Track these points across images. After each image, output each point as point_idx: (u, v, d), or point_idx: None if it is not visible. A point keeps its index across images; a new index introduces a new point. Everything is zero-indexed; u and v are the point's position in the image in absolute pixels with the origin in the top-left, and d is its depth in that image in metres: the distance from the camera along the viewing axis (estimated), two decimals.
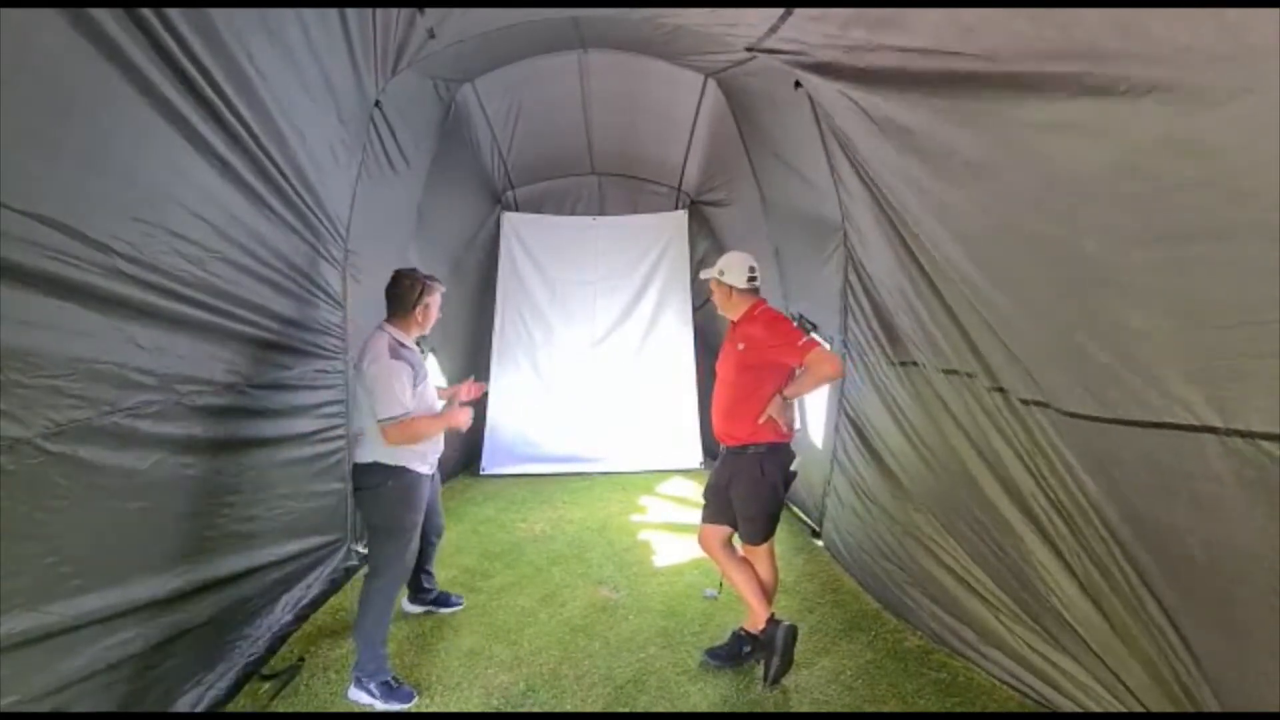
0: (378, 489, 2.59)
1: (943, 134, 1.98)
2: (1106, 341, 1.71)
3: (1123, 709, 2.07)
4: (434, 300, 2.71)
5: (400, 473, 2.60)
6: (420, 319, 2.68)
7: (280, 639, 2.87)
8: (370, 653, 2.56)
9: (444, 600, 3.27)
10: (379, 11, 2.72)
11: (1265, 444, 1.37)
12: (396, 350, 2.56)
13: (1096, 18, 1.34)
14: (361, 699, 2.53)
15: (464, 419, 2.74)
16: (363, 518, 2.99)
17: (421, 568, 3.09)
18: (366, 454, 2.61)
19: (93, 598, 1.84)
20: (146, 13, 1.68)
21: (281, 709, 2.51)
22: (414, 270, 2.74)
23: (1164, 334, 1.53)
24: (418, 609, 3.22)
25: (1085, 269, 1.70)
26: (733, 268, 2.75)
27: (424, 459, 2.70)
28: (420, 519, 2.72)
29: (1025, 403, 2.13)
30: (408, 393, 2.52)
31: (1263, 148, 1.17)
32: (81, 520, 1.77)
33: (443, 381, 3.03)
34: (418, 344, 2.76)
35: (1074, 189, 1.63)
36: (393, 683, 2.56)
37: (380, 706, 2.50)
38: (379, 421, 2.48)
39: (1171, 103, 1.28)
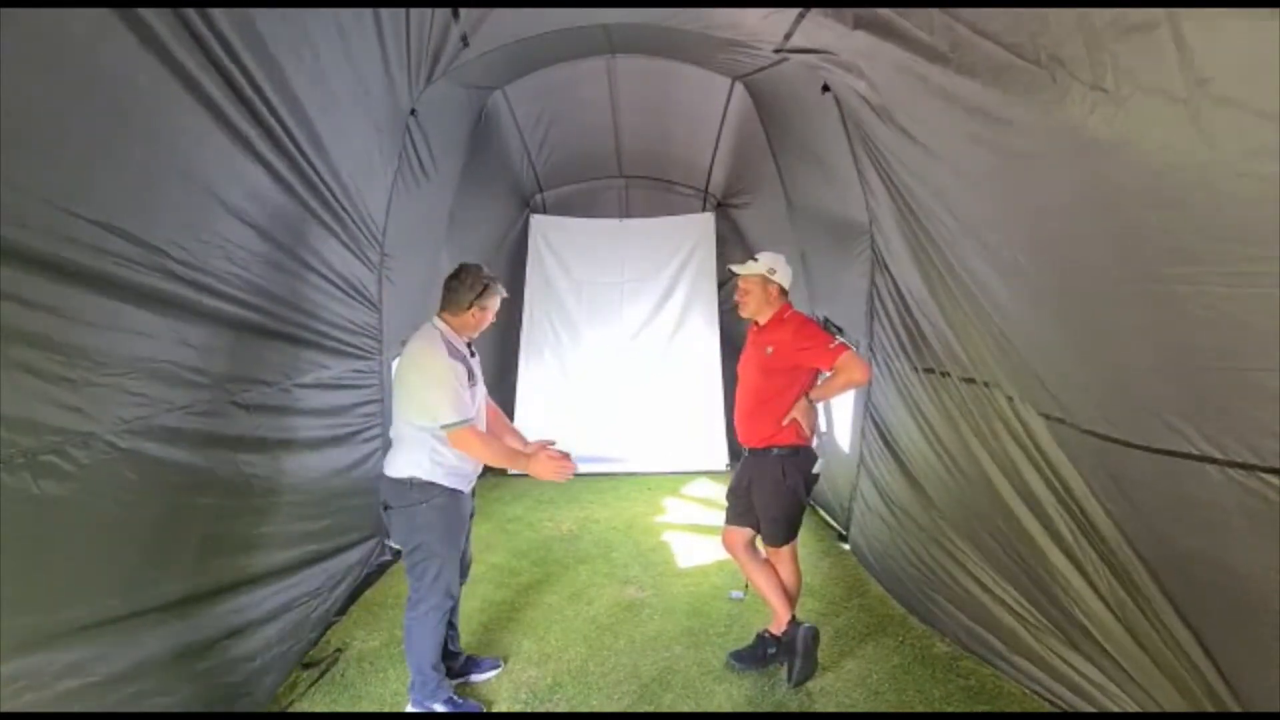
0: (412, 509, 2.30)
1: (966, 144, 1.97)
2: (1109, 366, 1.71)
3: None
4: (492, 304, 2.48)
5: (438, 491, 2.32)
6: (474, 321, 2.44)
7: (319, 630, 2.97)
8: (421, 678, 2.43)
9: (473, 666, 2.75)
10: (414, 21, 2.80)
11: (1266, 476, 1.35)
12: (453, 349, 2.35)
13: None
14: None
15: (549, 469, 2.36)
16: (394, 539, 2.55)
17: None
18: (402, 466, 2.31)
19: (166, 586, 1.95)
20: (196, 20, 1.73)
21: (319, 697, 2.60)
22: (480, 266, 2.49)
23: (1153, 368, 1.54)
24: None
25: (1082, 295, 1.71)
26: (781, 267, 2.76)
27: (467, 478, 2.43)
28: (460, 547, 2.44)
29: (1045, 417, 2.12)
30: (466, 395, 2.31)
31: (1224, 193, 1.18)
32: (154, 512, 1.89)
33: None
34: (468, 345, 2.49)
35: (1064, 214, 1.64)
36: (457, 699, 2.48)
37: None
38: (444, 427, 2.24)
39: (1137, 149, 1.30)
